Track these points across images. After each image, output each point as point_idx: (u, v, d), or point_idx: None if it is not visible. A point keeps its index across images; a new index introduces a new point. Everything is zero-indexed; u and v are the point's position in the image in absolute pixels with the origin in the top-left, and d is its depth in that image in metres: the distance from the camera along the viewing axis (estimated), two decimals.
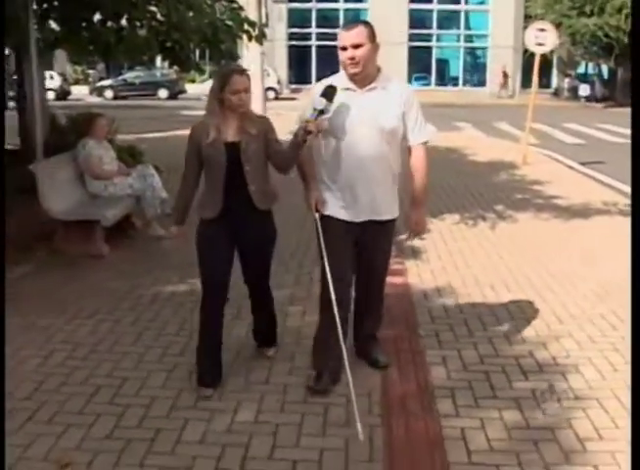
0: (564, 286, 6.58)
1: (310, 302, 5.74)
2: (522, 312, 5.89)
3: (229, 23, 9.35)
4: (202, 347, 4.49)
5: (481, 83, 44.01)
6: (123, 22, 9.05)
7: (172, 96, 39.47)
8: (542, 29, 14.01)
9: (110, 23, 9.07)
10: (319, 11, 42.93)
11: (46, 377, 4.63)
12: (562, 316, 5.80)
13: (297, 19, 41.82)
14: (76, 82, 45.08)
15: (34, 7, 8.03)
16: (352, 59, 4.08)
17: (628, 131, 17.48)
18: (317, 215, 4.30)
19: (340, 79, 4.27)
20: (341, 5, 42.85)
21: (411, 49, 42.66)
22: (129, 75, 41.09)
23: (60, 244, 7.43)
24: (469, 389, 4.47)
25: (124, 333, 5.38)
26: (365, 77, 4.21)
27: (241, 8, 10.56)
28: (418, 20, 41.21)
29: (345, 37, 4.10)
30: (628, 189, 11.60)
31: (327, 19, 42.84)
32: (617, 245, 7.82)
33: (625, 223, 9.04)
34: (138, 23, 8.85)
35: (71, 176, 7.83)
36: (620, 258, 6.96)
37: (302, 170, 4.43)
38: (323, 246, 4.21)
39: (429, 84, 43.52)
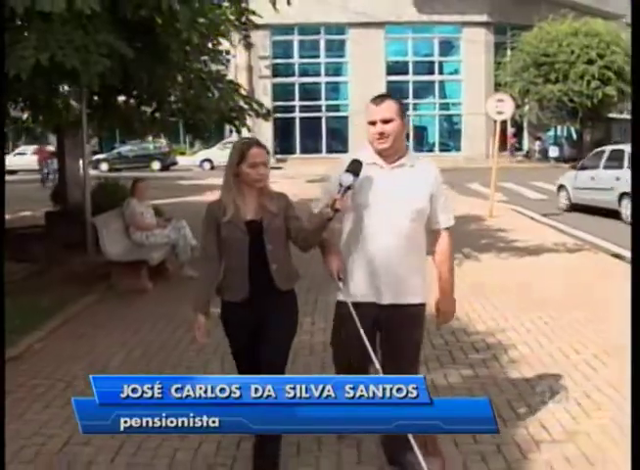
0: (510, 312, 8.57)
1: None
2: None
3: (242, 104, 11.50)
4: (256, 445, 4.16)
5: (457, 148, 46.11)
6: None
7: (165, 168, 41.33)
8: (501, 100, 16.21)
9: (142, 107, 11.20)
10: (301, 85, 45.17)
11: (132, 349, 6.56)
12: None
13: (281, 92, 43.82)
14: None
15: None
16: (382, 134, 3.95)
17: None
18: (341, 284, 4.05)
19: (366, 154, 4.07)
20: (322, 79, 45.13)
21: None
22: (123, 149, 43.06)
23: (115, 280, 9.34)
24: None
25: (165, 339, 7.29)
26: (393, 154, 4.04)
27: (242, 88, 12.68)
28: (395, 90, 43.38)
29: (375, 112, 3.97)
30: (576, 232, 13.78)
31: (309, 92, 45.00)
32: (561, 275, 9.88)
33: (571, 258, 11.15)
34: (167, 106, 10.92)
35: (119, 228, 9.76)
36: (559, 281, 9.01)
37: (322, 245, 4.17)
38: (352, 309, 3.93)
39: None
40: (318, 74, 45.24)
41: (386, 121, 3.95)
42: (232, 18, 10.71)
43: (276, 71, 43.82)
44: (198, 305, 4.15)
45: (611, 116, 43.58)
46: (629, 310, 3.43)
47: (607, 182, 16.21)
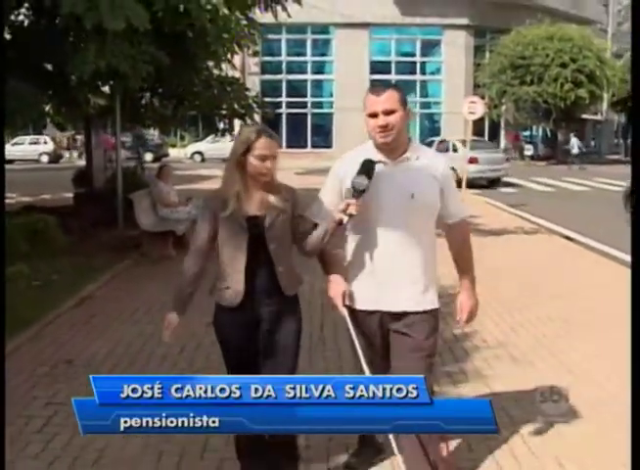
0: None
1: None
2: None
3: (250, 102, 13.53)
4: (241, 452, 3.99)
5: None
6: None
7: (157, 159, 42.88)
8: (473, 102, 18.18)
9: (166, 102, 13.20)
10: (288, 82, 46.89)
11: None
12: None
13: (269, 89, 45.37)
14: (68, 147, 48.46)
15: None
16: (384, 127, 3.63)
17: (553, 182, 22.13)
18: (346, 311, 3.75)
19: (367, 151, 3.79)
20: (308, 76, 46.86)
21: None
22: (125, 139, 44.63)
23: (146, 249, 11.23)
24: None
25: None
26: (397, 147, 3.72)
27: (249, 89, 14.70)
28: None
29: (376, 103, 3.65)
30: (535, 218, 15.82)
31: (295, 88, 46.81)
32: (518, 252, 11.86)
33: (528, 239, 13.16)
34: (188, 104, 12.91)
35: (148, 205, 11.62)
36: (509, 254, 10.97)
37: (324, 256, 3.90)
38: (357, 343, 3.70)
39: None
40: (304, 72, 46.85)
41: (388, 113, 3.63)
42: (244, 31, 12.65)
43: (264, 69, 45.30)
44: (173, 303, 3.80)
45: (584, 117, 45.60)
46: (629, 315, 3.59)
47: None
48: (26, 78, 10.14)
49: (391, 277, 3.76)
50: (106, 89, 12.43)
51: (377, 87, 3.75)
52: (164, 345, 6.02)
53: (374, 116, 3.67)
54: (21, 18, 11.95)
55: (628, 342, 3.60)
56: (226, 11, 10.46)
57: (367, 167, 3.60)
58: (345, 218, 3.58)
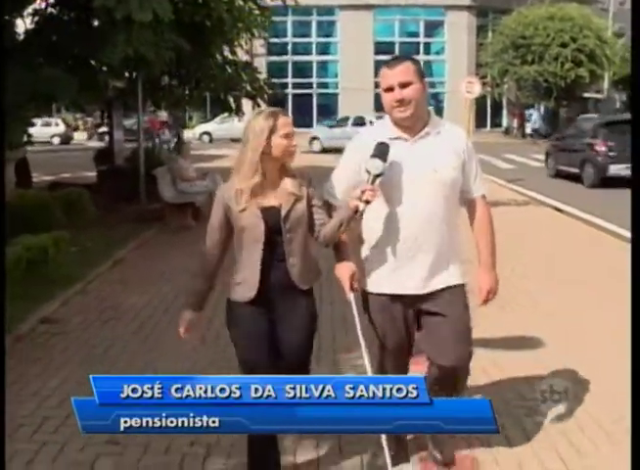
0: None
1: None
2: None
3: (262, 84, 14.64)
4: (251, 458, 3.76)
5: None
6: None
7: (150, 139, 43.87)
8: (470, 82, 19.10)
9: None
10: (294, 63, 47.80)
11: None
12: None
13: (276, 70, 45.81)
14: (76, 129, 49.40)
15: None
16: (401, 101, 3.45)
17: None
18: (352, 296, 3.56)
19: (385, 127, 3.64)
20: (313, 57, 47.78)
21: (377, 95, 47.05)
22: (128, 122, 45.57)
23: (168, 219, 12.31)
24: None
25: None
26: (416, 122, 3.56)
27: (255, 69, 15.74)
28: None
29: (390, 76, 3.50)
30: (528, 191, 16.85)
31: (301, 70, 47.67)
32: (508, 220, 12.88)
33: (519, 210, 14.21)
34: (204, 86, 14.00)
35: (168, 180, 12.67)
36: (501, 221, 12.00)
37: (338, 245, 3.69)
38: (360, 333, 3.52)
39: None
40: (310, 53, 47.86)
41: (404, 85, 3.46)
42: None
43: (270, 50, 45.73)
44: (188, 299, 3.76)
45: (585, 95, 46.25)
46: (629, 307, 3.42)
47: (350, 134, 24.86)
48: (56, 65, 11.14)
49: (417, 257, 3.60)
50: (125, 73, 13.45)
51: (391, 60, 3.62)
52: None
53: (390, 90, 3.50)
54: (48, 9, 12.91)
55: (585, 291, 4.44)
56: (241, 2, 11.57)
57: (381, 150, 3.43)
58: (362, 206, 3.38)
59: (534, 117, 43.36)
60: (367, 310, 3.72)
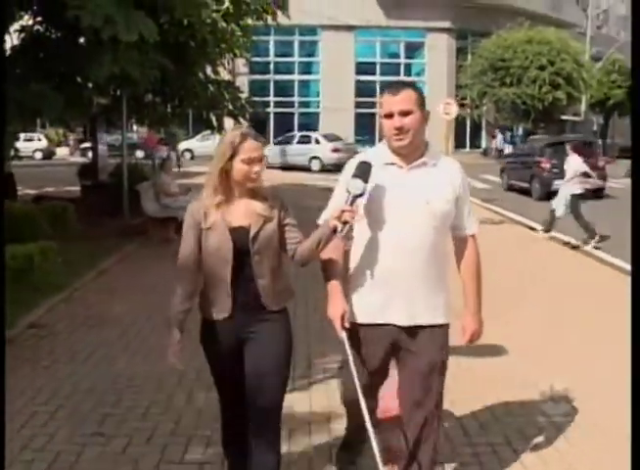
0: None
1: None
2: None
3: (243, 103, 15.05)
4: None
5: None
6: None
7: (147, 156, 44.15)
8: (448, 103, 19.63)
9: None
10: (276, 82, 48.00)
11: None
12: None
13: (258, 88, 45.89)
14: (59, 144, 49.49)
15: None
16: (400, 129, 3.42)
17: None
18: (344, 335, 3.48)
19: (381, 153, 3.61)
20: (295, 76, 48.02)
21: (357, 115, 47.50)
22: (110, 138, 45.75)
23: (151, 233, 12.64)
24: None
25: None
26: (413, 151, 3.52)
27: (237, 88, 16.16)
28: (364, 89, 46.21)
29: (391, 103, 3.45)
30: (503, 211, 17.30)
31: (283, 89, 47.81)
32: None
33: (495, 229, 14.63)
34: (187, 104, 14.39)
35: (151, 195, 13.00)
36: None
37: (326, 269, 3.64)
38: (352, 366, 3.45)
39: (373, 144, 48.23)
40: (292, 73, 48.03)
41: (404, 114, 3.43)
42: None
43: (253, 69, 45.67)
44: (172, 320, 3.62)
45: (563, 117, 46.85)
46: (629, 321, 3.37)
47: (302, 151, 33.09)
48: (43, 81, 11.47)
49: (404, 288, 3.52)
50: (110, 90, 13.80)
51: (394, 86, 3.55)
52: None
53: (389, 116, 3.46)
54: (34, 27, 13.24)
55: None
56: (224, 24, 11.97)
57: (362, 170, 3.41)
58: (340, 226, 3.31)
59: (499, 139, 44.12)
60: (348, 333, 3.53)
